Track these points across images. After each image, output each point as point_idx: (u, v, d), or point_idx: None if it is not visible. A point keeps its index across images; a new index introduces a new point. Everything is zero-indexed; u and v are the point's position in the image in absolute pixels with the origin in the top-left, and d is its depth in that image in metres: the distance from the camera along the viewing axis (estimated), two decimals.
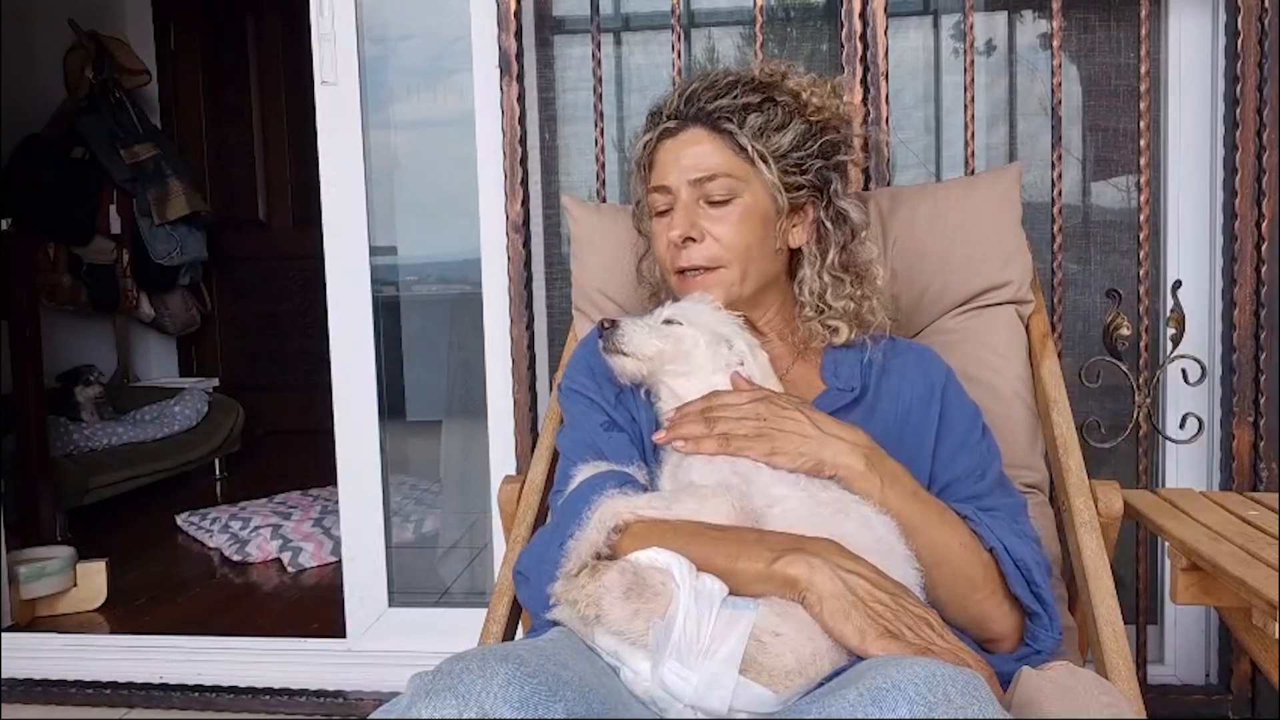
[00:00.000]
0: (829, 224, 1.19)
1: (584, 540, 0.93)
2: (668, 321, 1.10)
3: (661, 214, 1.19)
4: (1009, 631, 1.03)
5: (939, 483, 1.09)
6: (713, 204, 1.15)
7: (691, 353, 1.08)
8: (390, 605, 2.14)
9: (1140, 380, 1.76)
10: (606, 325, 1.10)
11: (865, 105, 1.77)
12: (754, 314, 1.20)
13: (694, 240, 1.15)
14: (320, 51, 2.02)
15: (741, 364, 1.08)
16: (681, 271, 1.17)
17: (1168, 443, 1.85)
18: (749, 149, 1.14)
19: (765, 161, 1.14)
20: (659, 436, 1.04)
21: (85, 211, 3.90)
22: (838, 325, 1.18)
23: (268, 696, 2.05)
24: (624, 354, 1.08)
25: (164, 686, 2.09)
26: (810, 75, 1.20)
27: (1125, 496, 1.31)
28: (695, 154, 1.15)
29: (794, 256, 1.22)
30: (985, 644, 1.03)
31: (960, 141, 1.77)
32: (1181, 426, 1.80)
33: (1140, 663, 1.79)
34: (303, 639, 2.21)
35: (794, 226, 1.19)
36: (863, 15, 1.76)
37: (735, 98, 1.15)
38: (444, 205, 2.28)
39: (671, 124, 1.17)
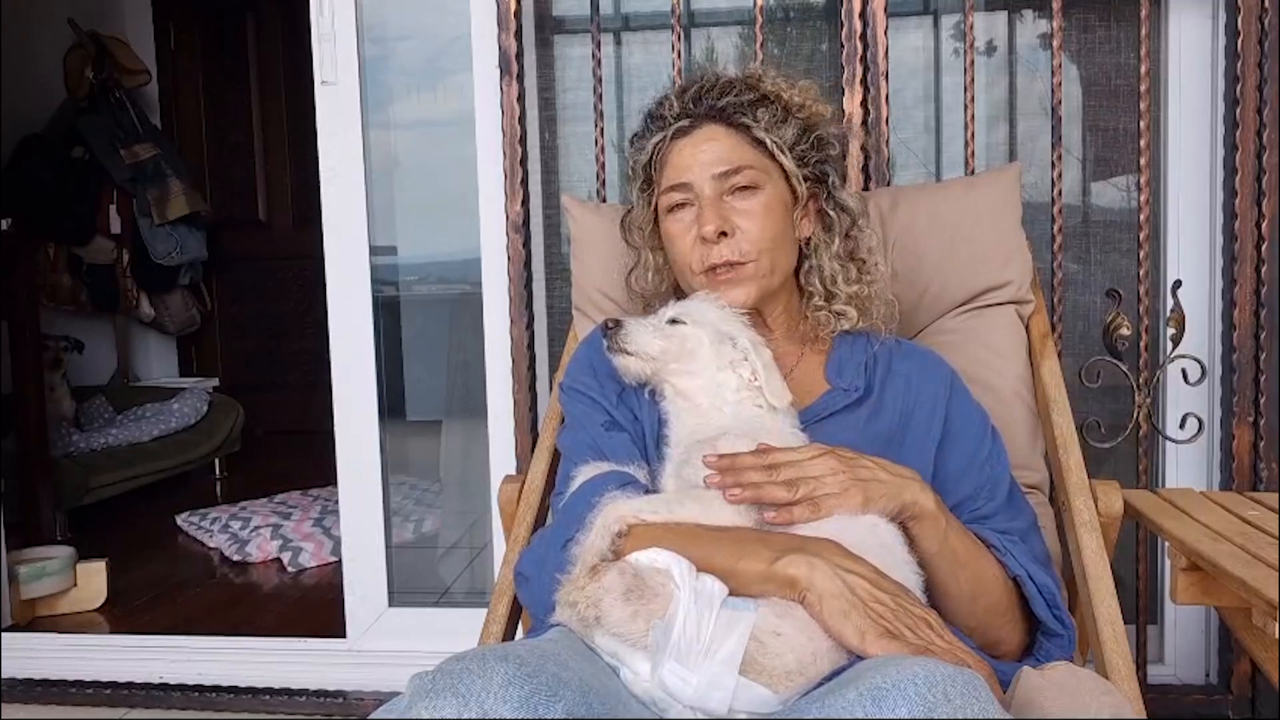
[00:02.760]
0: (832, 213, 1.22)
1: (588, 546, 0.93)
2: (672, 321, 1.10)
3: (675, 211, 1.19)
4: (1013, 651, 1.05)
5: (949, 500, 1.08)
6: (738, 194, 1.15)
7: (696, 351, 1.08)
8: (390, 605, 2.14)
9: (1140, 380, 1.76)
10: (610, 325, 1.10)
11: (865, 105, 1.77)
12: (768, 309, 1.20)
13: (725, 235, 1.14)
14: (320, 51, 2.02)
15: (746, 360, 1.08)
16: (710, 269, 1.16)
17: (1168, 443, 1.85)
18: (766, 141, 1.15)
19: (783, 152, 1.16)
20: (716, 481, 0.93)
21: (85, 211, 3.90)
22: (845, 310, 1.20)
23: (268, 696, 2.05)
24: (628, 353, 1.08)
25: (164, 686, 2.09)
26: (784, 77, 1.22)
27: (1125, 496, 1.31)
28: (715, 149, 1.15)
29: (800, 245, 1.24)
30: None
31: (960, 141, 1.77)
32: (1181, 426, 1.80)
33: (1140, 663, 1.79)
34: (303, 639, 2.21)
35: (803, 219, 1.21)
36: (863, 15, 1.76)
37: (738, 95, 1.17)
38: (444, 205, 2.28)
39: (684, 123, 1.17)
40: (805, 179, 1.19)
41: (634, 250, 1.30)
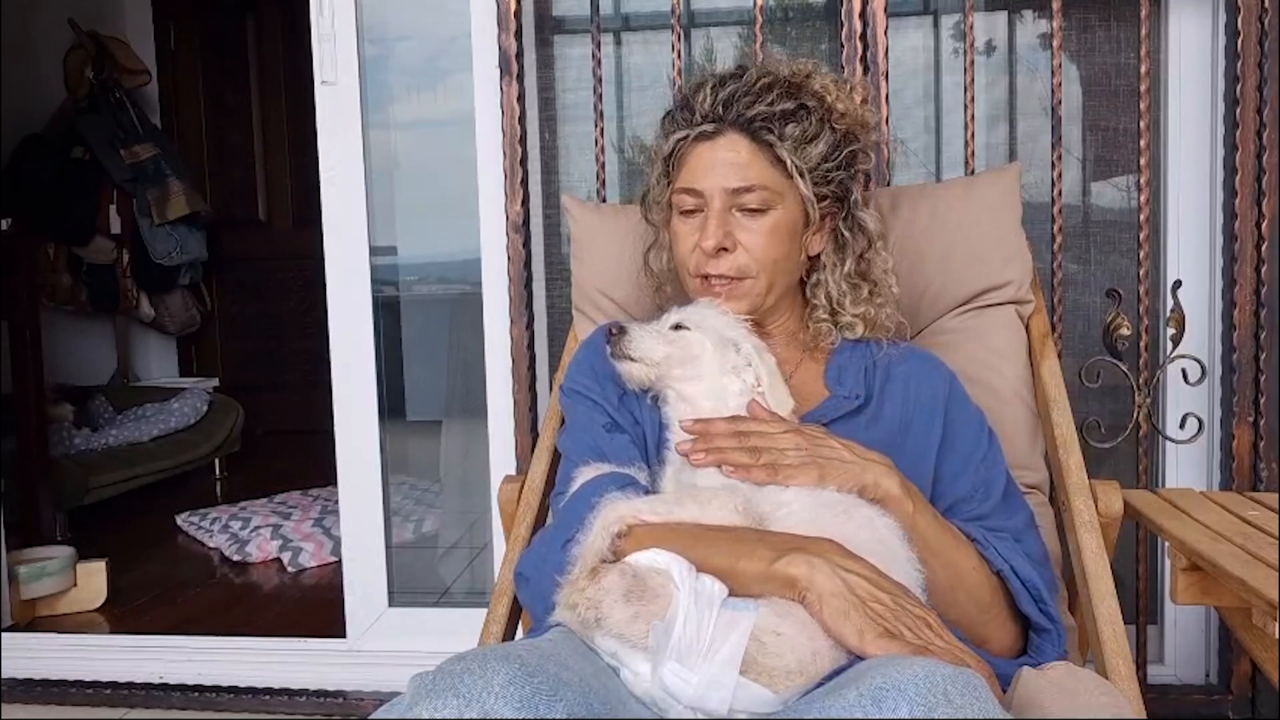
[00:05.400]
0: (847, 233, 1.20)
1: (588, 546, 0.93)
2: (676, 327, 1.10)
3: (686, 214, 1.18)
4: (1004, 651, 1.05)
5: (944, 501, 1.09)
6: (747, 214, 1.14)
7: (699, 357, 1.08)
8: (390, 605, 2.14)
9: (1140, 380, 1.76)
10: (615, 331, 1.10)
11: (865, 105, 1.77)
12: (769, 318, 1.20)
13: (726, 250, 1.14)
14: (320, 51, 2.02)
15: (749, 365, 1.08)
16: (705, 277, 1.16)
17: (1168, 443, 1.85)
18: (788, 162, 1.13)
19: (802, 176, 1.13)
20: (687, 448, 1.00)
21: (85, 211, 3.90)
22: (854, 323, 1.20)
23: (268, 696, 2.05)
24: (632, 359, 1.08)
25: (164, 686, 2.09)
26: (834, 76, 1.19)
27: (1125, 496, 1.31)
28: (734, 162, 1.13)
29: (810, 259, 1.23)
30: None
31: (960, 141, 1.77)
32: (1181, 426, 1.80)
33: (1140, 663, 1.79)
34: (303, 639, 2.21)
35: (815, 235, 1.19)
36: (863, 15, 1.76)
37: (771, 104, 1.13)
38: (444, 205, 2.28)
39: (709, 127, 1.14)
40: (824, 198, 1.17)
41: (652, 228, 1.29)
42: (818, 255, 1.21)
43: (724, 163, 1.13)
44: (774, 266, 1.15)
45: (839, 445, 0.99)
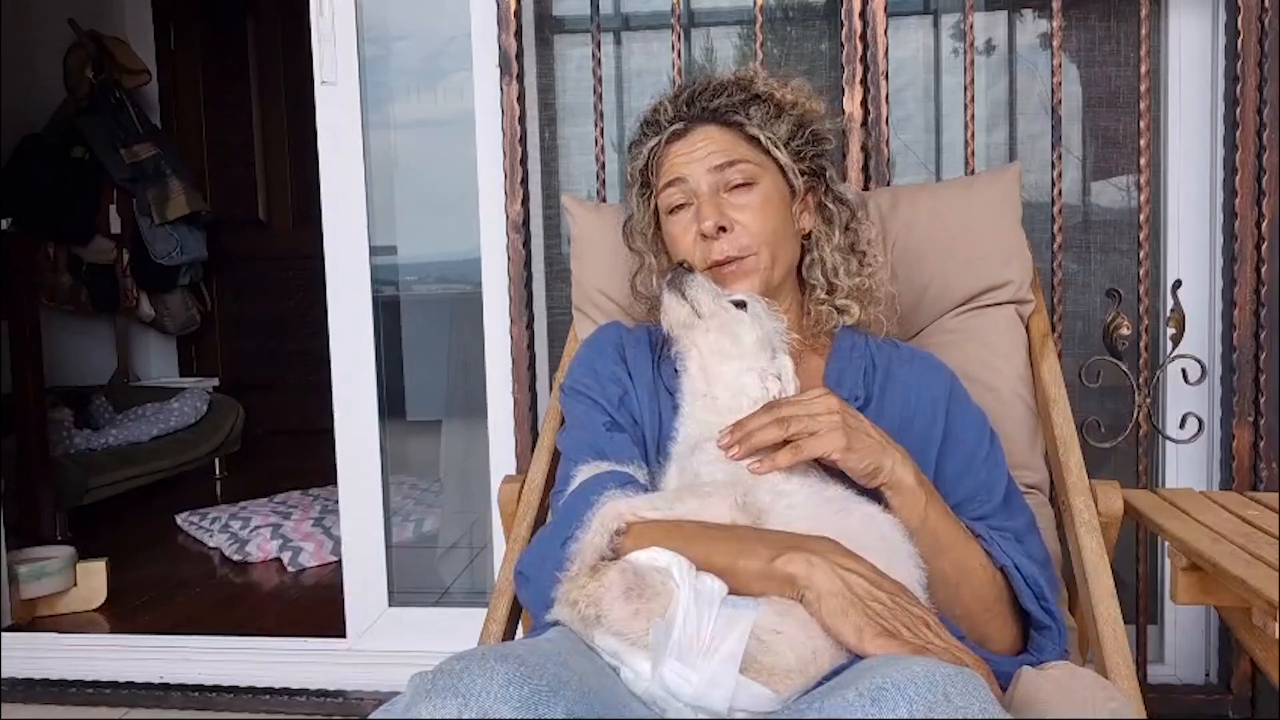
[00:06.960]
0: (831, 205, 1.24)
1: (587, 544, 0.93)
2: (739, 304, 1.11)
3: (676, 211, 1.21)
4: (1004, 649, 1.05)
5: (946, 502, 1.09)
6: (735, 190, 1.17)
7: (740, 338, 1.08)
8: (390, 605, 2.14)
9: (1140, 380, 1.76)
10: (685, 266, 1.12)
11: (865, 105, 1.77)
12: (775, 300, 1.20)
13: (724, 230, 1.16)
14: (320, 51, 2.02)
15: (778, 377, 1.08)
16: (712, 267, 1.17)
17: (1168, 442, 1.85)
18: (760, 137, 1.18)
19: (777, 146, 1.18)
20: (727, 443, 0.96)
21: (85, 211, 3.90)
22: (847, 305, 1.22)
23: (268, 696, 2.05)
24: (683, 297, 1.09)
25: (164, 686, 2.09)
26: (776, 78, 1.24)
27: (1125, 496, 1.31)
28: (710, 147, 1.18)
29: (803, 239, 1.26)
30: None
31: (960, 141, 1.77)
32: (1181, 426, 1.79)
33: (1140, 663, 1.79)
34: (303, 639, 2.21)
35: (802, 211, 1.23)
36: (863, 15, 1.76)
37: (730, 96, 1.19)
38: (444, 205, 2.28)
39: (679, 125, 1.20)
40: (802, 173, 1.21)
41: (636, 255, 1.32)
42: (808, 236, 1.24)
43: (702, 150, 1.18)
44: (774, 237, 1.18)
45: (869, 424, 0.99)
